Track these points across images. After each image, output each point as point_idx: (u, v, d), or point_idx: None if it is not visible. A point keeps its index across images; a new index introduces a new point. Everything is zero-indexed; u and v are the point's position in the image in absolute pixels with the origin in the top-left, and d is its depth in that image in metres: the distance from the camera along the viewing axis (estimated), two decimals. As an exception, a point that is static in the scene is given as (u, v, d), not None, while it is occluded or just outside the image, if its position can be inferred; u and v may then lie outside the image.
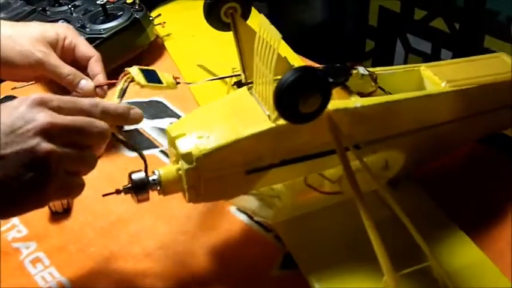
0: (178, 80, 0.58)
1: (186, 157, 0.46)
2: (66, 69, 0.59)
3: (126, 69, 0.54)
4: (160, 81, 0.56)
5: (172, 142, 0.48)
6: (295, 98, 0.42)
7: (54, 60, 0.59)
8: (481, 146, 0.68)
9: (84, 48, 0.62)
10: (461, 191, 0.64)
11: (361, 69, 0.55)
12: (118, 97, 0.51)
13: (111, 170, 0.69)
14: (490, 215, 0.62)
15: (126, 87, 0.52)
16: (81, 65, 0.62)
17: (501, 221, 0.61)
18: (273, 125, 0.47)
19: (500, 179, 0.66)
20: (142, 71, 0.54)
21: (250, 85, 0.51)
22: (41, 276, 0.58)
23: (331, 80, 0.51)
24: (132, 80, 0.53)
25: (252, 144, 0.47)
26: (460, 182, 0.65)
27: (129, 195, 0.50)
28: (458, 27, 0.95)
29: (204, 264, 0.58)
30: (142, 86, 0.54)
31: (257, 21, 0.47)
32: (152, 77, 0.55)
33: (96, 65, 0.62)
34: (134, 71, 0.53)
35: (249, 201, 0.57)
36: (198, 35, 0.90)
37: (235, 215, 0.63)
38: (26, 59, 0.58)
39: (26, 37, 0.59)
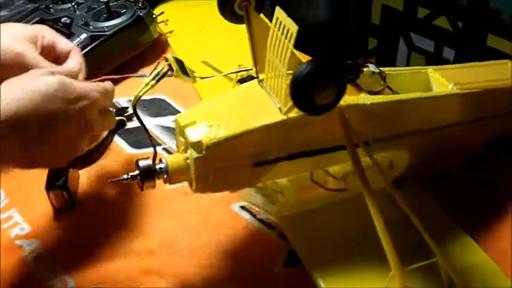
0: (194, 75, 0.58)
1: (196, 146, 0.46)
2: (47, 63, 0.58)
3: (164, 55, 0.54)
4: (187, 73, 0.56)
5: (181, 131, 0.48)
6: (311, 88, 0.42)
7: (34, 54, 0.58)
8: (484, 147, 0.68)
9: (63, 43, 0.61)
10: (464, 191, 0.64)
11: (372, 67, 0.55)
12: (153, 79, 0.51)
13: (113, 166, 0.69)
14: (493, 216, 0.62)
15: (164, 74, 0.52)
16: (61, 63, 0.61)
17: (503, 221, 0.61)
18: (284, 117, 0.47)
19: (503, 180, 0.65)
20: (175, 60, 0.54)
21: (260, 78, 0.51)
22: (44, 274, 0.58)
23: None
24: (171, 69, 0.53)
25: (262, 136, 0.47)
26: (462, 183, 0.65)
27: (134, 189, 0.49)
28: (462, 25, 0.95)
29: (206, 261, 0.58)
30: (176, 76, 0.54)
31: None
32: (182, 68, 0.55)
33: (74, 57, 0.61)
34: (172, 59, 0.53)
35: (254, 196, 0.57)
36: (202, 31, 0.90)
37: (238, 212, 0.63)
38: (7, 55, 0.56)
39: (5, 35, 0.58)
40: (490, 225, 0.61)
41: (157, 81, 0.50)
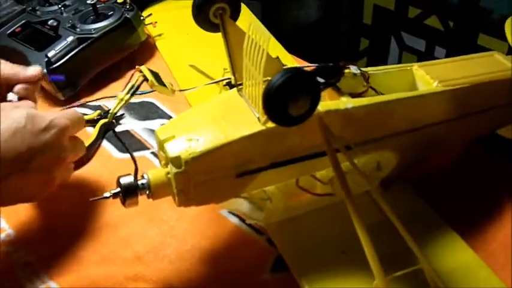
0: (173, 88, 0.58)
1: (175, 161, 0.46)
2: None
3: (138, 67, 0.53)
4: (164, 84, 0.56)
5: (161, 145, 0.47)
6: (284, 100, 0.41)
7: None
8: (475, 146, 0.67)
9: (7, 67, 0.60)
10: (454, 191, 0.63)
11: (354, 69, 0.54)
12: (127, 93, 0.50)
13: (101, 172, 0.68)
14: (484, 216, 0.61)
15: (139, 85, 0.51)
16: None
17: (494, 221, 0.61)
18: (263, 127, 0.46)
19: (494, 180, 0.65)
20: (150, 71, 0.54)
21: (240, 86, 0.50)
22: (30, 281, 0.57)
23: (322, 80, 0.51)
24: (145, 79, 0.52)
25: (242, 147, 0.46)
26: (453, 183, 0.64)
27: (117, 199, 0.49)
28: (453, 25, 0.95)
29: (194, 267, 0.57)
30: (152, 86, 0.53)
31: (248, 20, 0.47)
32: (158, 79, 0.55)
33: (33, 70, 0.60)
34: (146, 71, 0.53)
35: (240, 204, 0.56)
36: (190, 34, 0.89)
37: (226, 217, 0.62)
38: None
39: None
40: (481, 225, 0.60)
41: (132, 94, 0.50)
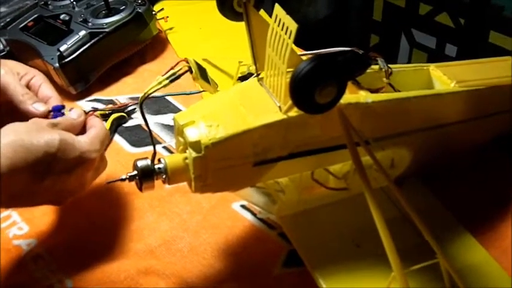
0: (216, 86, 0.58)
1: (195, 145, 0.45)
2: (23, 88, 0.58)
3: (186, 58, 0.53)
4: (208, 81, 0.55)
5: (180, 130, 0.47)
6: (311, 87, 0.41)
7: (12, 78, 0.58)
8: (487, 144, 0.67)
9: (49, 91, 0.60)
10: (466, 188, 0.63)
11: (382, 63, 0.54)
12: (167, 79, 0.49)
13: (113, 166, 0.68)
14: (496, 214, 0.61)
15: (181, 74, 0.50)
16: None
17: (507, 218, 0.60)
18: (284, 116, 0.46)
19: (505, 177, 0.65)
20: (198, 65, 0.54)
21: (260, 76, 0.50)
22: (42, 274, 0.57)
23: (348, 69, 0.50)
24: (189, 71, 0.52)
25: (262, 135, 0.46)
26: (465, 180, 0.64)
27: (134, 188, 0.49)
28: (464, 22, 0.94)
29: (206, 261, 0.57)
30: (195, 79, 0.53)
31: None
32: (203, 74, 0.55)
33: (55, 103, 0.60)
34: (192, 62, 0.53)
35: (254, 195, 0.56)
36: (202, 28, 0.89)
37: (238, 212, 0.62)
38: None
39: None
40: (492, 223, 0.60)
41: (171, 81, 0.49)
